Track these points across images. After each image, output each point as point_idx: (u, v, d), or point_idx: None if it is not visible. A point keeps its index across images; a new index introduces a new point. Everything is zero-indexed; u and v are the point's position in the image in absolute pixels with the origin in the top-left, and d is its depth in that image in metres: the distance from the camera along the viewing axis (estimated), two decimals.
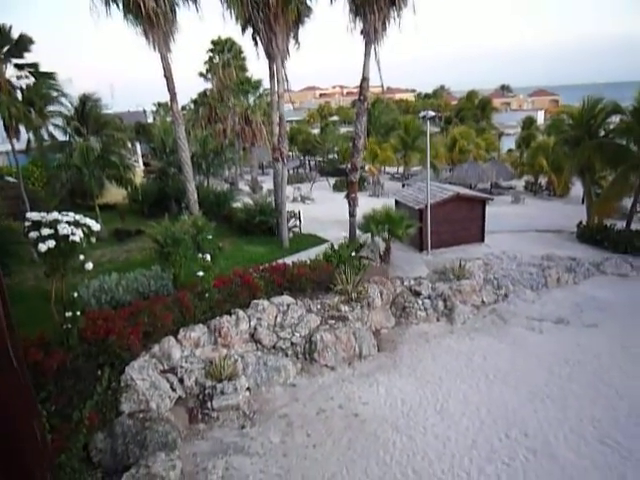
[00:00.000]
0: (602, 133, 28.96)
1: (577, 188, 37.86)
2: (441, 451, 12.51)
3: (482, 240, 25.66)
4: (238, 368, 14.86)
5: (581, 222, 28.32)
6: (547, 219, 32.13)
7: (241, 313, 16.71)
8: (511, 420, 13.55)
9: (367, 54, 22.33)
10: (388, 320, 19.03)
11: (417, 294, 19.95)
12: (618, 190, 26.17)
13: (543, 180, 45.22)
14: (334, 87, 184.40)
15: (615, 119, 28.82)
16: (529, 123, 71.13)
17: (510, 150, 65.99)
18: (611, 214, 27.38)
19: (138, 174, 37.00)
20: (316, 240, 26.71)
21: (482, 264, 22.34)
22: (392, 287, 20.11)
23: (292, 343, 16.50)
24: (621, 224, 27.03)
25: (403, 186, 42.91)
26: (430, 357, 16.85)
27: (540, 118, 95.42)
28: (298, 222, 28.68)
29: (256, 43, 24.57)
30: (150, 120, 72.16)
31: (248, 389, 14.53)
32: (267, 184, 42.98)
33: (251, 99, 46.15)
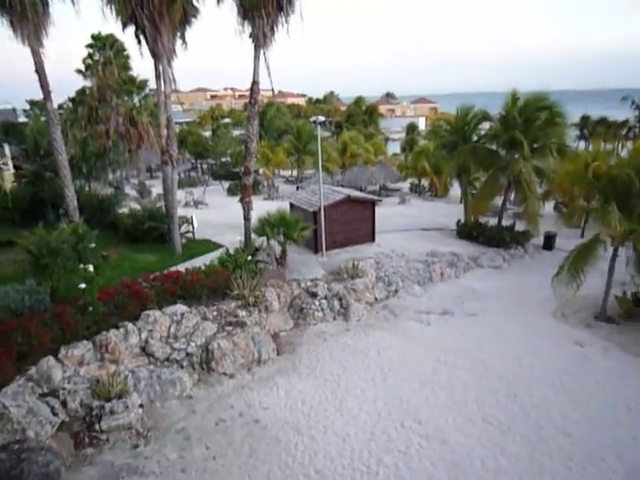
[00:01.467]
0: (475, 138, 31.71)
1: (456, 189, 41.03)
2: (342, 447, 12.80)
3: (373, 240, 26.77)
4: (129, 384, 13.96)
5: (460, 220, 30.72)
6: (430, 218, 34.41)
7: (130, 326, 15.74)
8: (405, 410, 14.26)
9: (257, 58, 22.25)
10: (286, 322, 19.09)
11: (314, 295, 20.25)
12: (490, 190, 28.80)
13: (426, 182, 48.37)
14: (226, 89, 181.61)
15: (486, 125, 31.71)
16: (412, 129, 75.98)
17: (396, 154, 69.78)
18: (485, 212, 30.02)
19: (7, 178, 33.35)
20: (211, 245, 26.04)
21: (374, 263, 23.30)
22: (289, 289, 20.22)
23: (187, 353, 15.88)
24: (494, 221, 29.78)
25: (297, 189, 43.43)
26: (328, 356, 17.19)
27: (422, 124, 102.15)
28: (191, 227, 27.74)
29: (140, 41, 23.35)
30: (22, 119, 65.59)
31: (141, 406, 13.72)
32: (156, 188, 41.03)
33: (136, 99, 43.73)
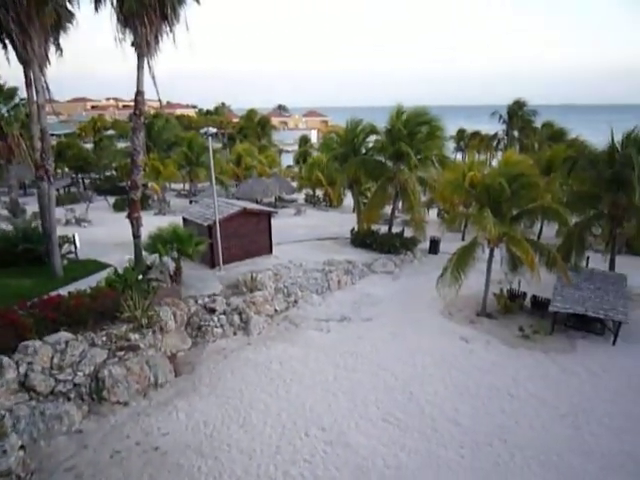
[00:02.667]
0: (364, 151, 33.20)
1: (349, 199, 42.58)
2: (247, 464, 12.55)
3: (271, 251, 26.79)
4: (6, 425, 12.51)
5: (353, 229, 31.89)
6: (326, 228, 35.30)
7: (5, 360, 14.13)
8: (309, 418, 14.37)
9: (140, 67, 21.31)
10: (184, 342, 18.36)
11: (212, 311, 19.73)
12: (379, 199, 30.28)
13: (320, 193, 49.64)
14: (108, 99, 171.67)
15: (374, 138, 33.31)
16: (305, 141, 77.44)
17: (290, 166, 70.73)
18: (376, 220, 31.48)
19: None
20: (97, 266, 24.26)
21: (272, 274, 23.29)
22: (186, 307, 19.49)
23: (75, 384, 14.59)
24: (385, 228, 31.31)
25: (190, 203, 42.19)
26: (230, 372, 16.81)
27: (314, 137, 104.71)
28: (73, 247, 25.67)
29: (5, 46, 21.31)
30: None
31: (22, 447, 12.33)
32: (31, 206, 37.43)
33: (4, 109, 39.70)
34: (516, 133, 66.54)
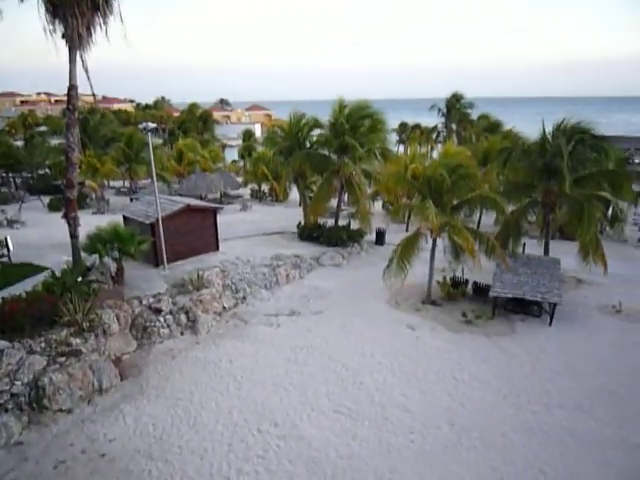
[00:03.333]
0: (308, 144, 33.22)
1: (295, 193, 42.53)
2: (199, 465, 12.36)
3: (217, 248, 26.35)
4: None
5: (300, 223, 31.92)
6: (272, 222, 35.13)
7: None
8: (261, 414, 14.32)
9: (72, 60, 20.23)
10: (129, 344, 17.77)
11: (158, 311, 19.21)
12: (325, 193, 30.44)
13: (266, 187, 49.30)
14: (39, 94, 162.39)
15: (318, 132, 33.36)
16: (248, 135, 76.59)
17: (234, 161, 69.75)
18: (322, 213, 31.65)
19: None
20: (32, 269, 22.97)
21: (219, 271, 22.95)
22: (130, 309, 18.85)
23: (12, 394, 13.81)
24: (332, 221, 31.54)
25: (131, 200, 40.72)
26: (178, 373, 16.45)
27: (258, 131, 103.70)
28: (6, 251, 24.20)
29: None
30: None
31: None
32: None
33: None
34: (454, 125, 68.77)
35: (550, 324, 20.27)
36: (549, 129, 23.78)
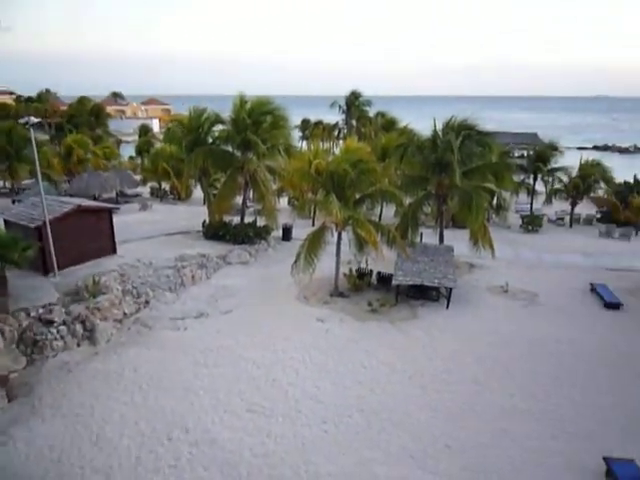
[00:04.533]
0: (210, 140, 32.36)
1: (198, 191, 41.22)
2: None
3: (114, 251, 24.80)
4: None
5: (205, 221, 31.06)
6: (175, 222, 33.78)
7: None
8: (171, 421, 13.78)
9: None
10: (17, 361, 16.19)
11: (49, 323, 17.69)
12: (229, 190, 29.89)
13: (167, 185, 47.28)
14: None
15: (220, 128, 32.56)
16: (145, 131, 72.86)
17: (132, 157, 66.05)
18: (228, 211, 31.05)
19: None
20: None
21: (118, 276, 21.65)
22: (15, 322, 17.17)
23: None
24: (237, 219, 31.05)
25: (14, 202, 37.03)
26: (76, 387, 15.30)
27: (156, 126, 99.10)
28: None
29: None
30: None
31: None
32: None
33: None
34: (355, 122, 70.77)
35: (447, 307, 21.67)
36: (440, 126, 25.36)
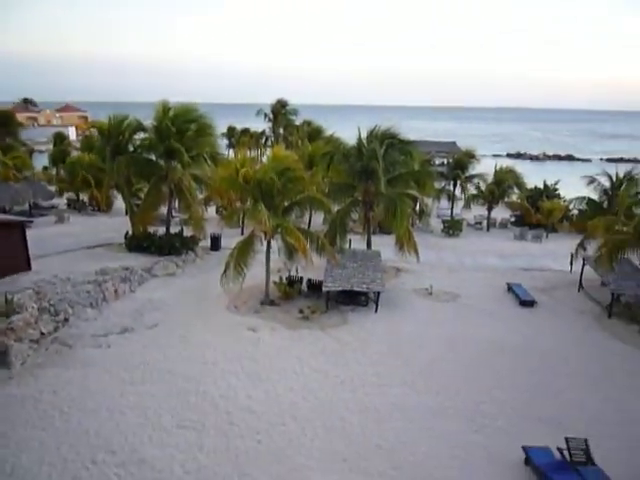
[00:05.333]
0: (132, 148, 31.20)
1: (120, 201, 39.52)
2: None
3: (29, 267, 23.21)
4: None
5: (128, 233, 29.85)
6: (95, 234, 32.16)
7: None
8: (95, 444, 13.09)
9: None
10: None
11: None
12: (153, 199, 28.97)
13: (86, 196, 44.94)
14: None
15: (142, 135, 31.48)
16: (61, 139, 68.86)
17: (46, 167, 62.14)
18: (152, 222, 30.09)
19: None
20: None
21: (33, 293, 20.24)
22: None
23: None
24: (162, 229, 30.12)
25: None
26: None
27: (72, 134, 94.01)
28: None
29: None
30: None
31: None
32: None
33: None
34: (282, 130, 71.17)
35: (376, 311, 22.29)
36: (364, 135, 26.16)
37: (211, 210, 39.38)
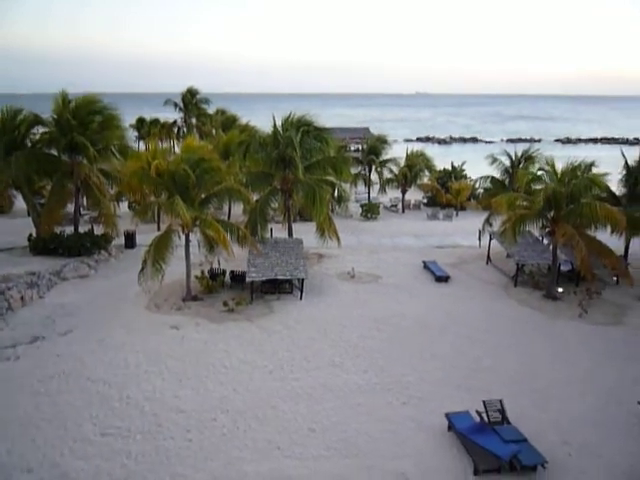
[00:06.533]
0: (30, 144, 28.75)
1: (20, 201, 36.42)
2: None
3: None
4: None
5: (31, 235, 27.67)
6: None
7: None
8: (8, 463, 12.18)
9: None
10: None
11: None
12: (58, 198, 27.04)
13: None
14: None
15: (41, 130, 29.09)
16: None
17: None
18: (59, 221, 28.11)
19: None
20: None
21: None
22: None
23: None
24: (71, 229, 28.24)
25: None
26: None
27: None
28: None
29: None
30: None
31: None
32: None
33: None
34: (194, 120, 69.03)
35: (301, 298, 22.48)
36: (280, 122, 26.04)
37: (123, 206, 37.46)
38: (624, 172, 27.15)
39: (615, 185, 27.26)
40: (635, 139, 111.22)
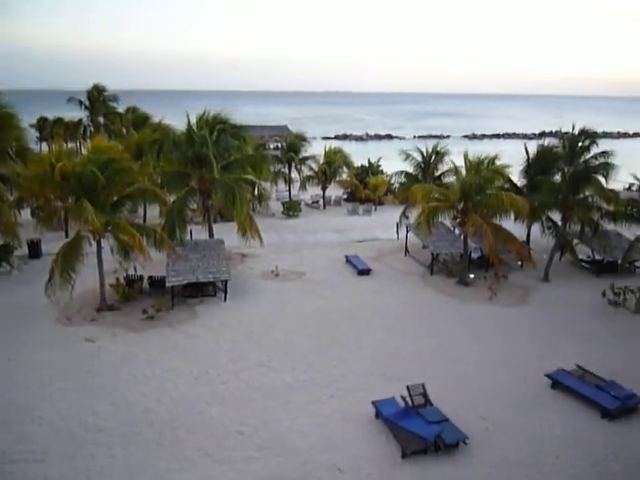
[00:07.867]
0: None
1: None
2: None
3: None
4: None
5: None
6: None
7: None
8: None
9: None
10: None
11: None
12: None
13: None
14: None
15: None
16: None
17: None
18: None
19: None
20: None
21: None
22: None
23: None
24: None
25: None
26: None
27: None
28: None
29: None
30: None
31: None
32: None
33: None
34: (102, 119, 65.13)
35: (225, 300, 22.05)
36: (194, 120, 25.30)
37: (25, 213, 34.64)
38: (525, 164, 29.35)
39: (516, 176, 29.41)
40: (533, 134, 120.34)
